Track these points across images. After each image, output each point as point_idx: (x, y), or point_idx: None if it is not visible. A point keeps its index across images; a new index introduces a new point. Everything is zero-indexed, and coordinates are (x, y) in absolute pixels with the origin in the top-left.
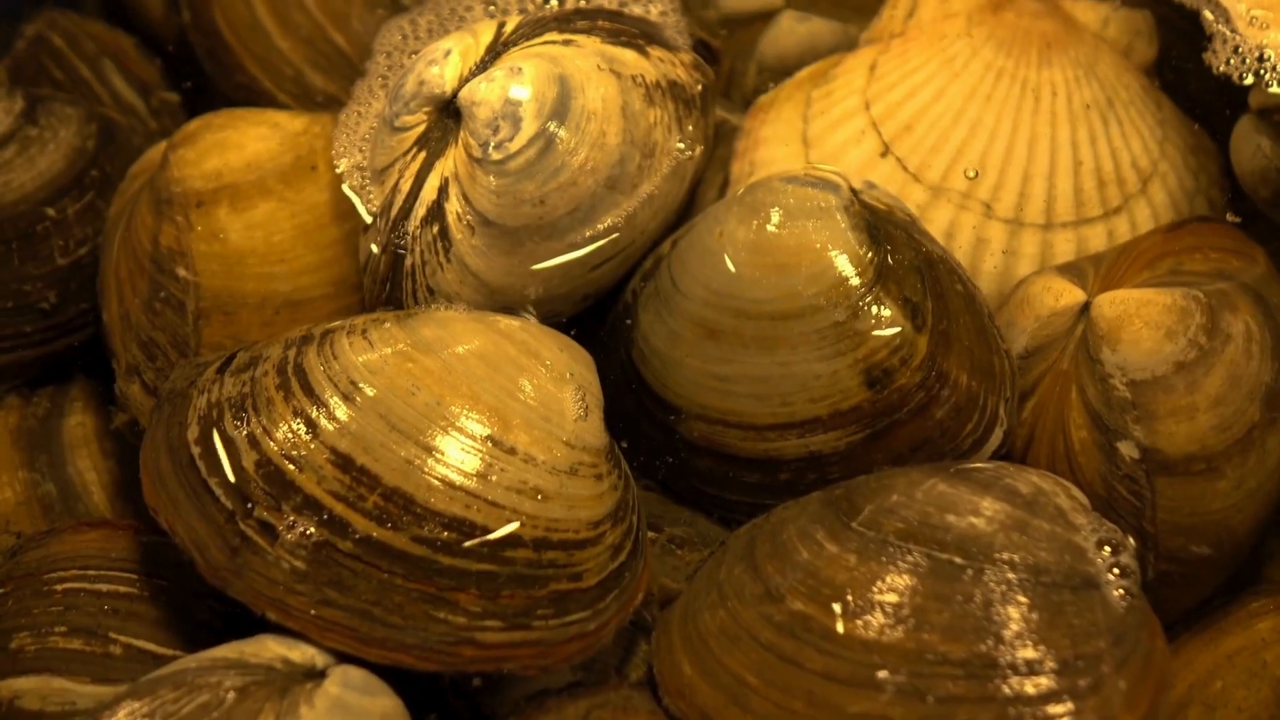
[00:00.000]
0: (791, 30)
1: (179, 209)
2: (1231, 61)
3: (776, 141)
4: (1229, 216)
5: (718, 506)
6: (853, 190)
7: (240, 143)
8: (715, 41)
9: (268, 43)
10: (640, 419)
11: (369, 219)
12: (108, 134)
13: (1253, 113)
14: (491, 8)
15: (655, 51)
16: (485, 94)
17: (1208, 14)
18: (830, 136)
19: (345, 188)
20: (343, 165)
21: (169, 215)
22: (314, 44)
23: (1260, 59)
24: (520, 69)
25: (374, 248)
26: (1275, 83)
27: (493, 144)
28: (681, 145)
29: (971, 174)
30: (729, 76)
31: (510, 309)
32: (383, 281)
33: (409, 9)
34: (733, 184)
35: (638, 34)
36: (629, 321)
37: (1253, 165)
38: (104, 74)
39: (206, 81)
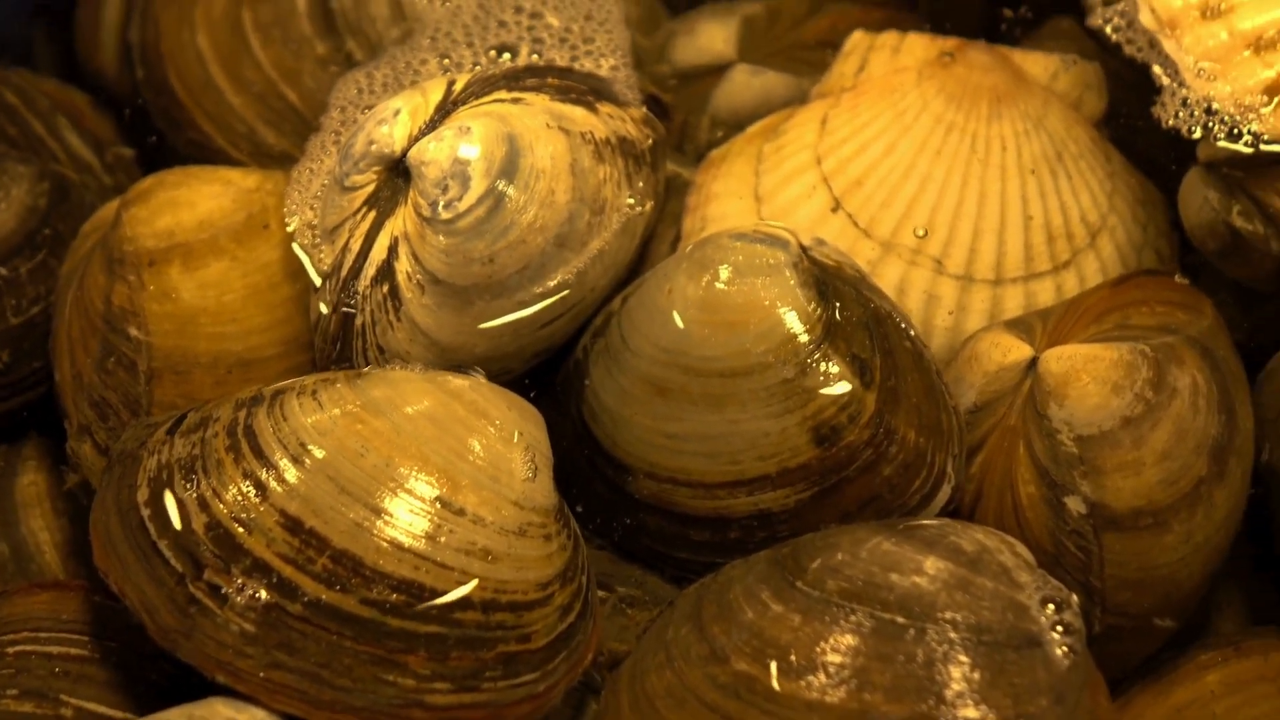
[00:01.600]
0: (745, 84)
1: (131, 268)
2: (1180, 114)
3: (728, 196)
4: (1177, 269)
5: (669, 565)
6: (802, 247)
7: (193, 201)
8: (666, 96)
9: (220, 100)
10: (592, 477)
11: (318, 279)
12: (60, 192)
13: (1201, 165)
14: (446, 61)
15: (605, 108)
16: (434, 153)
17: (1157, 67)
18: (782, 192)
19: (295, 247)
20: (294, 223)
21: (121, 274)
22: (266, 100)
23: (1208, 111)
24: (469, 128)
25: (324, 307)
26: (1222, 135)
27: (442, 203)
28: (631, 201)
29: (921, 231)
30: (682, 130)
31: (461, 367)
32: (333, 341)
33: (362, 64)
34: (684, 239)
35: (587, 90)
36: (580, 378)
37: (1200, 218)
38: (58, 130)
39: (162, 137)
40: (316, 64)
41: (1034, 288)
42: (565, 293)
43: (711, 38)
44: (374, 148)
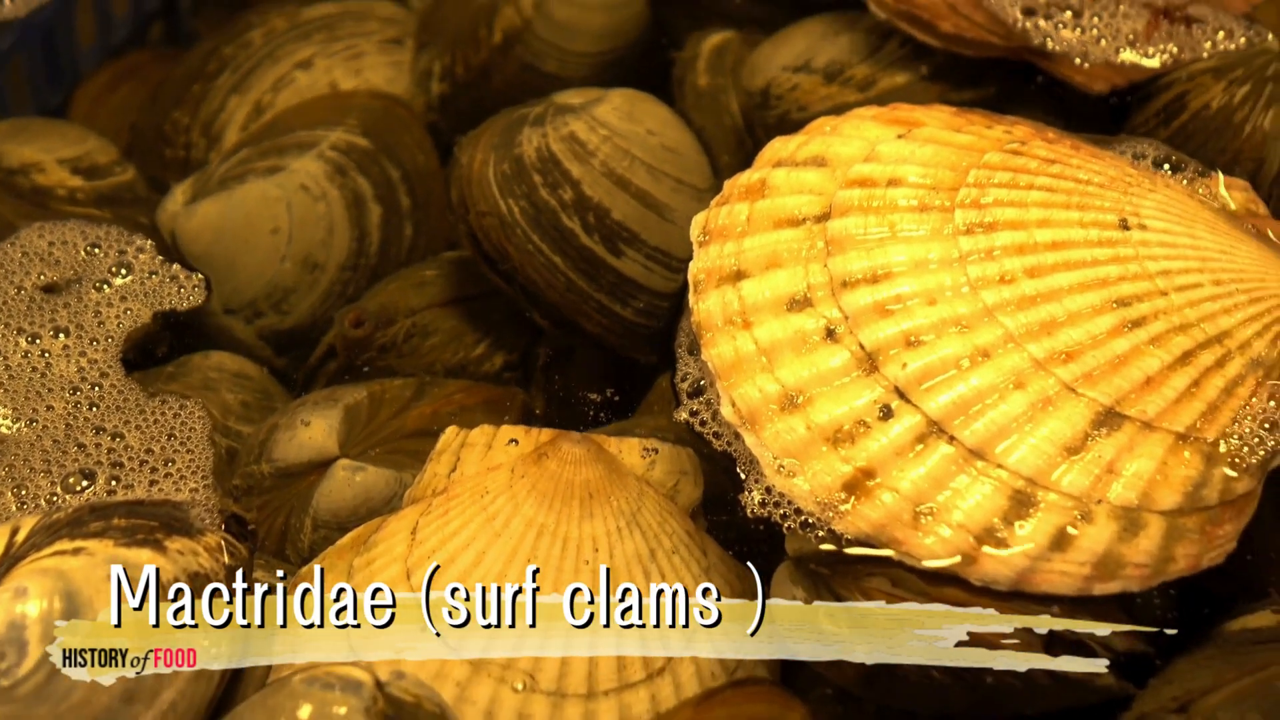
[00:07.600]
0: (345, 481)
1: None
2: (765, 504)
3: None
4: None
5: None
6: (379, 684)
7: None
8: (249, 515)
9: None
10: None
11: None
12: None
13: (790, 560)
14: (22, 492)
15: (174, 544)
16: None
17: (739, 464)
18: None
19: None
20: None
21: None
22: None
23: (783, 499)
24: (25, 589)
25: None
26: (801, 531)
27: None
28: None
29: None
30: (284, 533)
31: None
32: None
33: None
34: (274, 671)
35: (157, 526)
36: None
37: None
38: None
39: None
40: None
41: (628, 699)
42: None
43: (313, 431)
44: None
